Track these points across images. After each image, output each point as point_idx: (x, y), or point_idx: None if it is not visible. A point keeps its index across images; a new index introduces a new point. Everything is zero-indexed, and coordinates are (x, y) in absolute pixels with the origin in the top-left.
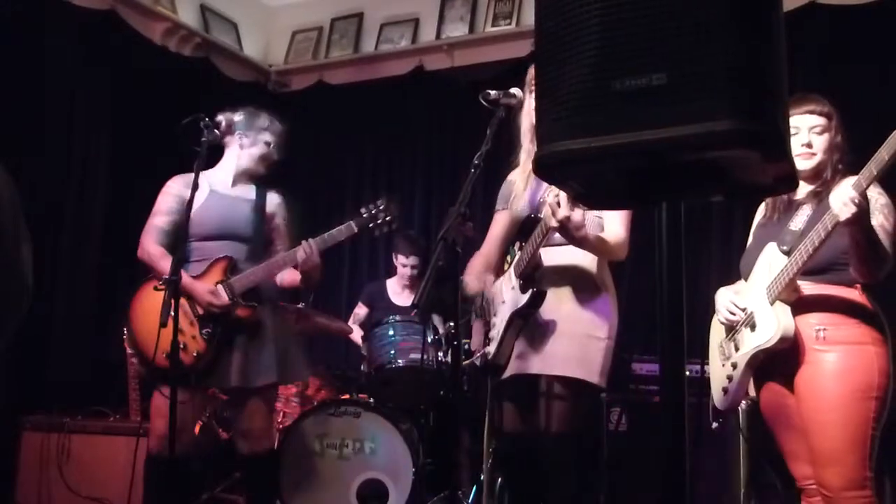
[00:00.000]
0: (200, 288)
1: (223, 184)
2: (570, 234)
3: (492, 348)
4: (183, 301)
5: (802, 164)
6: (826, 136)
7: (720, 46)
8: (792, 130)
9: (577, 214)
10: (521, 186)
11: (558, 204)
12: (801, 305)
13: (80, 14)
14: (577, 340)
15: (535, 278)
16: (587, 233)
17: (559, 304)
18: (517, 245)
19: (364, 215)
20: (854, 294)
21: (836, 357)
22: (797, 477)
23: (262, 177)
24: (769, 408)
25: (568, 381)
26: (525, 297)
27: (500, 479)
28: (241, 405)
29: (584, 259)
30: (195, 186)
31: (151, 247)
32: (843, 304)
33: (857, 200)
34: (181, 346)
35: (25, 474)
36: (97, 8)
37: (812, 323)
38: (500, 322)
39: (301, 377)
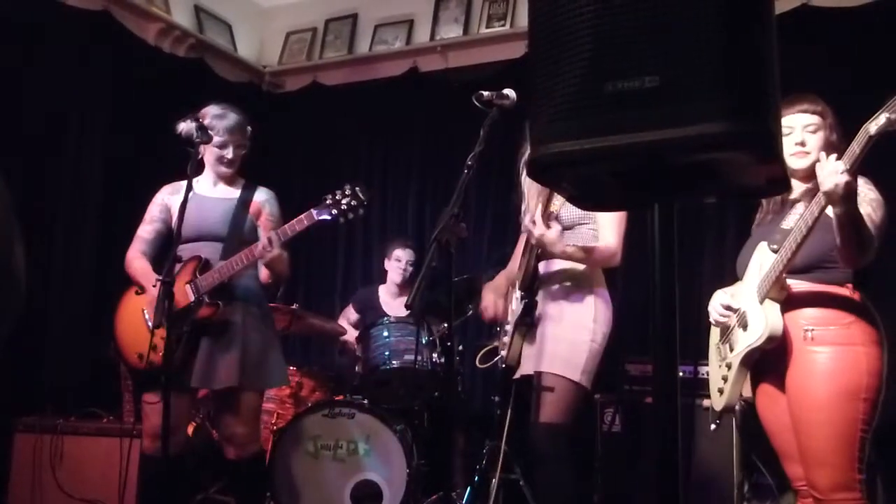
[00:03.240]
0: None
1: (205, 187)
2: (547, 250)
3: (504, 353)
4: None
5: (797, 163)
6: (820, 134)
7: (712, 48)
8: (785, 130)
9: (551, 232)
10: (533, 202)
11: (534, 223)
12: (790, 304)
13: (74, 15)
14: (562, 341)
15: (534, 288)
16: (564, 247)
17: (549, 307)
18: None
19: (327, 202)
20: (844, 292)
21: (825, 358)
22: (792, 478)
23: (246, 174)
24: (764, 408)
25: (552, 377)
26: (518, 309)
27: (494, 480)
28: (223, 409)
29: (573, 266)
30: (189, 188)
31: (130, 253)
32: (833, 302)
33: (843, 170)
34: (152, 347)
35: (18, 476)
36: (91, 8)
37: (801, 323)
38: (509, 329)
39: (271, 384)
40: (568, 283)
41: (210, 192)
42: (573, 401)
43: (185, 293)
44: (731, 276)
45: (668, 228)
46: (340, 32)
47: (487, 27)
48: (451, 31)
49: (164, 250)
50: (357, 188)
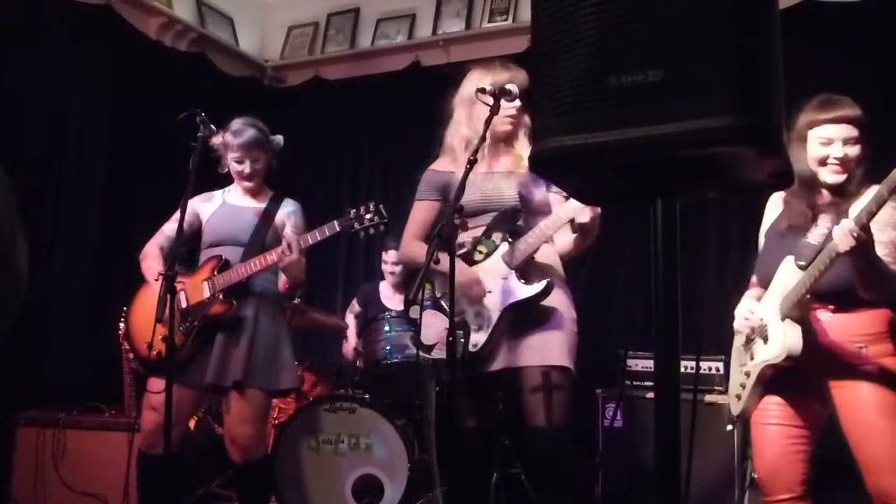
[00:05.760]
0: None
1: (235, 197)
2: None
3: (479, 339)
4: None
5: (832, 178)
6: (858, 147)
7: (716, 42)
8: (822, 140)
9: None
10: (474, 177)
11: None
12: (834, 322)
13: (75, 9)
14: (567, 333)
15: (528, 270)
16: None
17: (550, 296)
18: (498, 236)
19: (350, 215)
20: (884, 312)
21: (880, 369)
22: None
23: (273, 184)
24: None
25: (563, 371)
26: (535, 289)
27: (495, 474)
28: (226, 407)
29: (553, 254)
30: (191, 183)
31: (147, 246)
32: (877, 320)
33: (856, 234)
34: (161, 337)
35: (21, 470)
36: (92, 2)
37: (849, 340)
38: (487, 313)
39: (280, 385)
40: (555, 273)
41: (238, 202)
42: (573, 396)
43: (201, 289)
44: (732, 272)
45: (670, 223)
46: (342, 27)
47: (490, 21)
48: (453, 26)
49: (186, 253)
50: (381, 205)
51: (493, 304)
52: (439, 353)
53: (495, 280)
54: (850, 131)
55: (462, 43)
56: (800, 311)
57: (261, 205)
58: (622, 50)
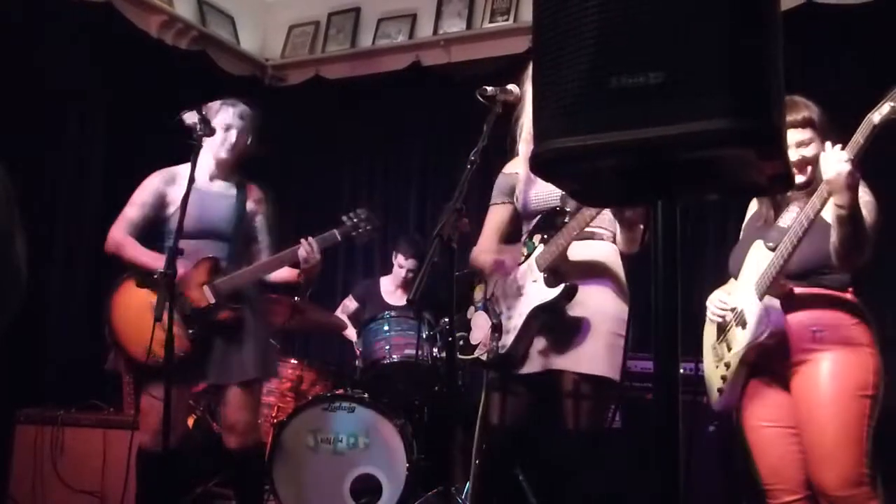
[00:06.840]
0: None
1: (202, 179)
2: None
3: (507, 341)
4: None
5: (796, 178)
6: (813, 146)
7: (717, 45)
8: None
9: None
10: (525, 179)
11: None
12: (794, 306)
13: (77, 7)
14: (605, 338)
15: (561, 272)
16: None
17: (587, 299)
18: (538, 238)
19: (347, 224)
20: (846, 297)
21: (832, 357)
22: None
23: (243, 170)
24: (757, 407)
25: (597, 380)
26: (555, 291)
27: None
28: (226, 398)
29: (607, 254)
30: (191, 182)
31: (118, 235)
32: (836, 305)
33: (847, 158)
34: (164, 342)
35: (19, 468)
36: (94, 0)
37: (807, 324)
38: (518, 316)
39: (273, 373)
40: (604, 273)
41: (208, 187)
42: (608, 403)
43: (201, 293)
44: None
45: (671, 224)
46: (343, 26)
47: (490, 22)
48: (454, 26)
49: (148, 239)
50: (372, 214)
51: (524, 307)
52: (481, 354)
53: (528, 282)
54: (801, 135)
55: (463, 43)
56: (777, 288)
57: (232, 191)
58: (623, 51)
